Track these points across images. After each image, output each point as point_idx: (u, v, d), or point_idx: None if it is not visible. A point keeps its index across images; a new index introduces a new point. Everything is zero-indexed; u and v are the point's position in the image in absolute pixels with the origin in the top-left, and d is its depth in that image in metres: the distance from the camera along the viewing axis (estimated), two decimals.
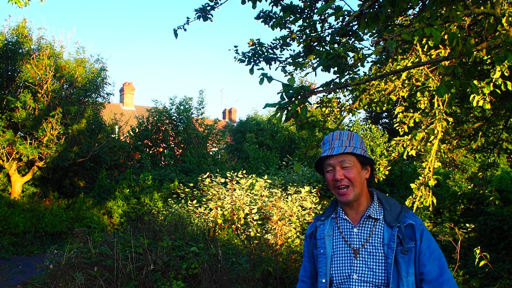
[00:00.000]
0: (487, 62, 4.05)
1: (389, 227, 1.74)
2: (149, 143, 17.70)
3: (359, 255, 1.72)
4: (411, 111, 5.22)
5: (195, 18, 4.56)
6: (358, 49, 4.18)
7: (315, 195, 7.98)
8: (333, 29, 4.64)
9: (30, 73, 11.65)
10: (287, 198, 7.64)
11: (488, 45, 2.57)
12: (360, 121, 21.27)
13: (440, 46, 4.19)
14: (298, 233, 7.18)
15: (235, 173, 8.46)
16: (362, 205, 1.80)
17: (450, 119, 4.56)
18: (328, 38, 4.55)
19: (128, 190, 12.55)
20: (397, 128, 5.34)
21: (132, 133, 17.52)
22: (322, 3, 4.57)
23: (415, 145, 4.64)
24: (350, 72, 4.35)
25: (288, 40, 4.70)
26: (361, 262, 1.72)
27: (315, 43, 4.57)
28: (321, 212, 1.90)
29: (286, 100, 2.19)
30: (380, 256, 1.71)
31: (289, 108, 2.17)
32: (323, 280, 1.76)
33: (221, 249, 5.03)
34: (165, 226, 6.16)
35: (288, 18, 4.59)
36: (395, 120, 5.38)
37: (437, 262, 1.70)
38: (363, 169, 1.80)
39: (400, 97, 5.21)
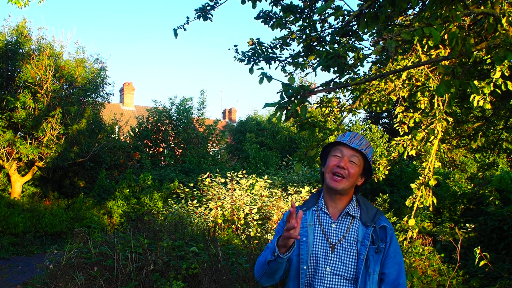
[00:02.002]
0: (487, 62, 4.05)
1: (364, 226, 1.86)
2: (149, 143, 17.70)
3: (335, 250, 1.83)
4: (411, 111, 5.21)
5: (195, 18, 4.56)
6: (358, 49, 4.18)
7: None
8: (333, 29, 4.64)
9: (30, 73, 11.65)
10: (287, 198, 7.64)
11: (488, 45, 2.57)
12: (360, 121, 21.28)
13: (440, 46, 4.18)
14: None
15: (235, 173, 8.46)
16: (343, 202, 1.91)
17: (450, 119, 4.56)
18: (328, 38, 4.55)
19: (128, 190, 12.55)
20: (397, 128, 5.34)
21: (132, 133, 17.52)
22: (322, 3, 4.57)
23: (415, 145, 4.64)
24: (350, 72, 4.35)
25: (288, 40, 4.70)
26: (336, 256, 1.83)
27: (315, 43, 4.57)
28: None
29: (286, 99, 2.19)
30: (353, 252, 1.82)
31: (289, 108, 2.17)
32: (305, 267, 1.85)
33: (221, 249, 5.03)
34: (165, 226, 6.16)
35: (288, 18, 4.59)
36: (395, 120, 5.38)
37: (397, 267, 1.85)
38: (361, 175, 1.93)
39: (400, 97, 5.21)
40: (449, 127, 5.61)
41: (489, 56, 3.15)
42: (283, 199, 7.60)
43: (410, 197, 4.33)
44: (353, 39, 4.36)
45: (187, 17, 4.51)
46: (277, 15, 4.80)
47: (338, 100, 5.53)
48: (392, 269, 1.84)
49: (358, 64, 4.12)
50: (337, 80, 4.04)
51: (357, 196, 1.96)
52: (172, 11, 60.70)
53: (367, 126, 18.94)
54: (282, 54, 4.87)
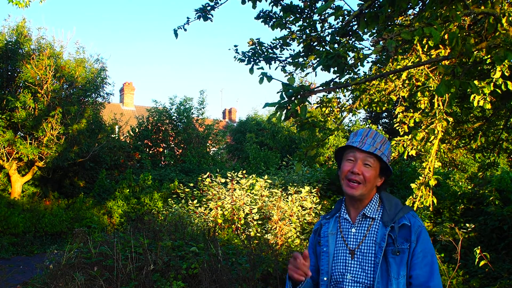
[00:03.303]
0: (487, 62, 4.05)
1: (384, 226, 1.73)
2: (149, 143, 17.70)
3: (355, 256, 1.74)
4: (411, 111, 5.21)
5: (195, 18, 4.56)
6: (358, 49, 4.18)
7: (315, 195, 7.98)
8: (333, 29, 4.63)
9: (30, 73, 11.65)
10: (287, 198, 7.64)
11: (488, 45, 2.56)
12: (360, 121, 21.28)
13: (440, 46, 4.18)
14: (298, 233, 7.18)
15: (235, 173, 8.46)
16: (364, 205, 1.79)
17: (450, 119, 4.55)
18: (328, 38, 4.55)
19: (128, 190, 12.55)
20: (397, 128, 5.34)
21: (132, 133, 17.52)
22: (322, 3, 4.57)
23: (415, 145, 4.63)
24: (350, 72, 4.34)
25: (288, 40, 4.70)
26: (356, 262, 1.73)
27: (315, 43, 4.57)
28: (321, 212, 1.91)
29: (286, 99, 2.19)
30: (371, 256, 1.71)
31: (289, 108, 2.17)
32: (325, 278, 1.77)
33: (221, 249, 5.03)
34: (165, 226, 6.15)
35: (288, 18, 4.59)
36: (395, 120, 5.38)
37: (428, 268, 1.67)
38: (380, 176, 1.80)
39: (400, 97, 5.21)
40: (449, 127, 5.60)
41: (489, 56, 3.15)
42: (283, 199, 7.60)
43: (410, 197, 4.33)
44: (353, 39, 4.35)
45: (187, 18, 4.51)
46: (277, 15, 4.80)
47: (338, 100, 5.53)
48: (421, 271, 1.66)
49: (358, 64, 4.12)
50: (337, 80, 4.04)
51: (380, 195, 1.82)
52: (172, 11, 60.72)
53: (367, 126, 18.93)
54: (282, 54, 4.87)
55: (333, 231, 1.83)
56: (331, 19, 6.41)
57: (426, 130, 4.41)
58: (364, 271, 1.70)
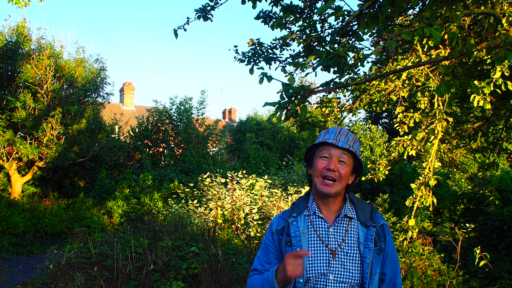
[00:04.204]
0: (487, 62, 4.05)
1: (363, 226, 1.74)
2: (149, 143, 17.69)
3: (336, 256, 1.71)
4: (411, 111, 5.21)
5: (195, 18, 4.56)
6: (358, 49, 4.18)
7: None
8: (333, 29, 4.64)
9: (30, 73, 11.65)
10: (287, 198, 7.64)
11: (488, 45, 2.56)
12: (360, 121, 21.27)
13: (440, 46, 4.18)
14: None
15: (235, 173, 8.46)
16: (336, 204, 1.78)
17: (450, 119, 4.55)
18: (328, 38, 4.55)
19: (128, 190, 12.55)
20: (397, 128, 5.34)
21: (132, 133, 17.52)
22: (322, 3, 4.57)
23: (415, 145, 4.64)
24: (350, 72, 4.34)
25: (288, 40, 4.70)
26: (338, 262, 1.70)
27: (315, 43, 4.57)
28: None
29: (286, 99, 2.19)
30: (355, 256, 1.71)
31: (289, 108, 2.17)
32: (301, 280, 1.70)
33: (221, 249, 5.03)
34: (165, 226, 6.16)
35: (288, 18, 4.59)
36: (395, 120, 5.38)
37: (394, 265, 1.76)
38: (352, 173, 1.80)
39: (400, 97, 5.21)
40: (449, 127, 5.61)
41: (489, 56, 3.15)
42: (283, 199, 7.60)
43: (410, 197, 4.33)
44: (353, 39, 4.36)
45: (187, 18, 4.51)
46: (277, 15, 4.80)
47: (338, 100, 5.53)
48: (390, 268, 1.75)
49: (358, 64, 4.12)
50: (337, 80, 4.04)
51: (349, 195, 1.82)
52: (173, 11, 60.71)
53: (367, 126, 18.93)
54: (282, 54, 4.88)
55: (304, 230, 1.76)
56: (331, 19, 6.41)
57: (426, 130, 4.41)
58: (348, 271, 1.69)
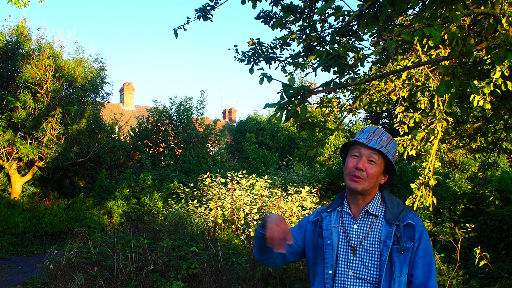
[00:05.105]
0: (487, 62, 4.05)
1: (388, 224, 1.74)
2: (149, 143, 17.69)
3: (357, 252, 1.74)
4: (411, 111, 5.22)
5: (195, 18, 4.56)
6: (358, 49, 4.17)
7: (315, 195, 7.98)
8: (333, 29, 4.63)
9: (30, 73, 11.65)
10: (287, 198, 7.64)
11: (488, 45, 2.57)
12: (360, 121, 21.28)
13: (440, 46, 4.18)
14: None
15: (235, 173, 8.46)
16: (365, 202, 1.80)
17: (450, 119, 4.56)
18: (328, 38, 4.55)
19: (128, 190, 12.55)
20: (397, 128, 5.34)
21: (132, 133, 17.52)
22: (322, 3, 4.57)
23: (415, 145, 4.64)
24: (350, 72, 4.34)
25: (288, 40, 4.70)
26: (358, 259, 1.73)
27: (315, 43, 4.57)
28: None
29: (286, 100, 2.19)
30: (375, 254, 1.72)
31: (289, 108, 2.17)
32: (330, 272, 1.76)
33: (221, 249, 5.03)
34: (165, 226, 6.16)
35: (288, 18, 4.59)
36: (395, 120, 5.38)
37: (427, 268, 1.71)
38: (383, 174, 1.82)
39: (400, 97, 5.21)
40: (449, 127, 5.61)
41: (489, 56, 3.15)
42: (283, 199, 7.60)
43: (410, 197, 4.33)
44: (353, 39, 4.35)
45: (187, 17, 4.51)
46: (277, 15, 4.80)
47: (338, 100, 5.54)
48: (421, 271, 1.70)
49: (358, 64, 4.12)
50: (337, 80, 4.04)
51: (382, 194, 1.83)
52: (173, 11, 60.69)
53: (367, 126, 18.92)
54: (282, 54, 4.87)
55: (336, 224, 1.82)
56: (331, 19, 6.40)
57: (426, 130, 4.41)
58: (366, 268, 1.71)
